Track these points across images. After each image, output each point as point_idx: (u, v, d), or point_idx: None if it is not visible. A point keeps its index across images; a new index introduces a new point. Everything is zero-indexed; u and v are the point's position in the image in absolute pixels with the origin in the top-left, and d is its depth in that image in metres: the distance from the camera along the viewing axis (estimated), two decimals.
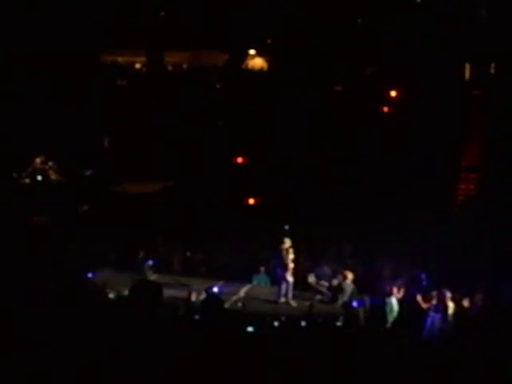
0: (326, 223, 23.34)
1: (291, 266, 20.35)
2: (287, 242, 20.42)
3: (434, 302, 18.36)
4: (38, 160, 27.49)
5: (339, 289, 20.29)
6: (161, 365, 10.43)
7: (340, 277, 20.51)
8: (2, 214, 23.39)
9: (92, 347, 10.95)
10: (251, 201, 26.89)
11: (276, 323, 17.40)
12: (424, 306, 18.81)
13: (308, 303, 19.73)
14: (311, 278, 21.01)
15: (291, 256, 20.31)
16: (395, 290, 19.39)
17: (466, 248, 21.27)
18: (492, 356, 13.04)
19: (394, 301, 18.94)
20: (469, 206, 26.34)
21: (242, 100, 30.03)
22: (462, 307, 17.97)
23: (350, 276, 20.36)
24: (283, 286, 20.38)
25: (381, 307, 18.94)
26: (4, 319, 13.44)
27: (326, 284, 20.82)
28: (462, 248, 21.31)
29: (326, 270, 21.36)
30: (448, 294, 18.23)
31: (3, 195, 24.94)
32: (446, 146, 27.29)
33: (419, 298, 19.10)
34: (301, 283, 20.98)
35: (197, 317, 16.55)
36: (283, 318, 18.24)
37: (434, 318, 17.88)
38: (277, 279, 20.88)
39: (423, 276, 20.51)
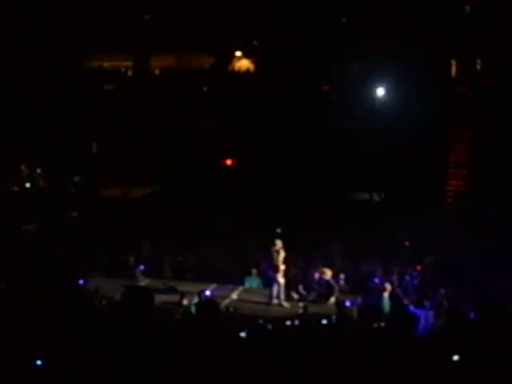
0: (315, 224, 23.31)
1: (282, 267, 20.33)
2: (278, 244, 20.39)
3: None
4: (22, 167, 27.36)
5: (328, 286, 20.39)
6: (155, 372, 10.37)
7: (319, 275, 20.57)
8: None
9: (86, 354, 10.87)
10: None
11: (269, 326, 17.32)
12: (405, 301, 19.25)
13: (301, 304, 19.70)
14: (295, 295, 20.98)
15: (282, 257, 20.29)
16: (388, 286, 19.51)
17: (456, 244, 21.28)
18: (485, 352, 13.04)
19: (386, 297, 19.07)
20: (458, 202, 26.38)
21: (230, 102, 29.98)
22: (455, 304, 18.00)
23: (328, 272, 20.56)
24: (275, 288, 20.36)
25: (375, 305, 18.96)
26: None
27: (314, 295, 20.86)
28: (452, 244, 21.32)
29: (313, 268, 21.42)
30: (441, 291, 18.33)
31: None
32: (435, 143, 27.32)
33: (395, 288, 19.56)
34: (293, 285, 20.96)
35: (191, 321, 16.45)
36: (276, 320, 18.16)
37: (427, 315, 17.88)
38: (268, 281, 20.86)
39: (414, 273, 20.59)
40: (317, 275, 20.71)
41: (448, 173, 27.76)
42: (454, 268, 20.31)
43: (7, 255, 20.86)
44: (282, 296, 20.37)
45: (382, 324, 16.42)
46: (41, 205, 25.44)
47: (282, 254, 20.30)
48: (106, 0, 30.75)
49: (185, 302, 19.22)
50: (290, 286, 20.68)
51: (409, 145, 27.01)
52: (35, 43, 29.78)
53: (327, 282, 20.53)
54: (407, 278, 20.60)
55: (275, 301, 20.32)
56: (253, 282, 21.96)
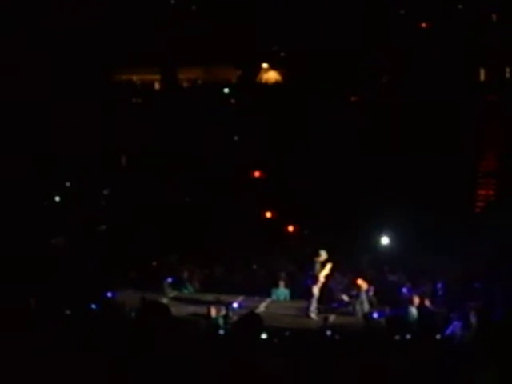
0: (344, 233, 23.25)
1: (322, 280, 20.14)
2: (323, 255, 20.18)
3: None
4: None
5: (357, 299, 20.26)
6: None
7: (353, 287, 20.45)
8: (21, 237, 23.49)
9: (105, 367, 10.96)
10: (268, 214, 26.80)
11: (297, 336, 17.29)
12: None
13: (324, 315, 19.64)
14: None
15: (325, 271, 20.05)
16: (416, 298, 19.38)
17: (485, 256, 21.09)
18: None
19: (413, 310, 18.97)
20: (489, 212, 26.16)
21: (258, 114, 30.00)
22: (482, 315, 17.86)
23: (364, 285, 20.33)
24: (312, 300, 20.15)
25: (402, 317, 18.91)
26: (27, 338, 13.57)
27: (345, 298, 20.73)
28: (481, 256, 21.15)
29: (339, 279, 21.28)
30: (469, 304, 18.24)
31: (22, 218, 25.02)
32: (464, 152, 27.16)
33: (427, 302, 19.38)
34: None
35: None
36: (304, 331, 18.16)
37: (455, 326, 17.77)
38: (305, 291, 20.56)
39: (439, 286, 20.45)
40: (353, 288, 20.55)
41: (477, 182, 27.56)
42: (482, 279, 20.15)
43: (37, 269, 21.05)
44: (312, 308, 20.22)
45: (408, 336, 16.41)
46: (70, 218, 25.63)
47: (326, 267, 20.06)
48: (133, 13, 30.94)
49: (213, 313, 19.24)
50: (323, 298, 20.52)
51: (437, 154, 26.86)
52: (65, 57, 30.04)
53: (359, 294, 20.39)
54: (436, 289, 20.49)
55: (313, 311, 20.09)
56: (280, 294, 21.95)
